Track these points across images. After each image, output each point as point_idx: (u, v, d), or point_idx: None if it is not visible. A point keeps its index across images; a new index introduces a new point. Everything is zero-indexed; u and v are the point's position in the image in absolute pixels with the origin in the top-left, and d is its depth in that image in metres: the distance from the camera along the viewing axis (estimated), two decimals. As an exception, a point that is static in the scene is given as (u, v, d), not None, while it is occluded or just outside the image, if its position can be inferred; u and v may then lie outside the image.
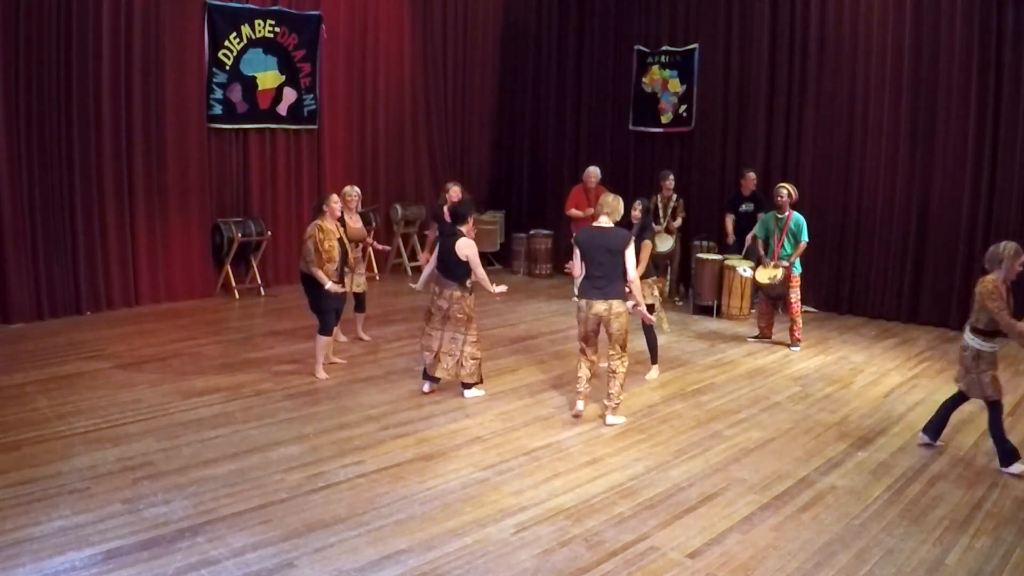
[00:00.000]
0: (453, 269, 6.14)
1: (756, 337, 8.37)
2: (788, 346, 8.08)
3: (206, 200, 9.42)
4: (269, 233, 9.79)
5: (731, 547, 4.14)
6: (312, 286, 6.54)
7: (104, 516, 4.20)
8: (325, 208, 6.56)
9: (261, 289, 9.81)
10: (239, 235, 9.45)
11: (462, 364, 6.20)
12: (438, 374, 6.26)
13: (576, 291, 6.02)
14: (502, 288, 6.26)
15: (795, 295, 8.00)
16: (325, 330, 6.65)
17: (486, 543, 4.10)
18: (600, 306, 5.71)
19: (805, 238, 7.85)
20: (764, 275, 8.15)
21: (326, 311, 6.60)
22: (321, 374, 6.66)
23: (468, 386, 6.31)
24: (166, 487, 4.55)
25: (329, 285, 6.41)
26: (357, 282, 7.55)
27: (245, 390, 6.27)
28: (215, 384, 6.38)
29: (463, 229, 6.19)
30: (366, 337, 7.85)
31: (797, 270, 7.98)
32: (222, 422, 5.58)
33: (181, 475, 4.72)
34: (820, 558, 4.05)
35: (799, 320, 8.07)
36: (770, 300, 8.25)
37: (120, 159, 8.57)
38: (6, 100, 7.65)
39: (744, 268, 9.10)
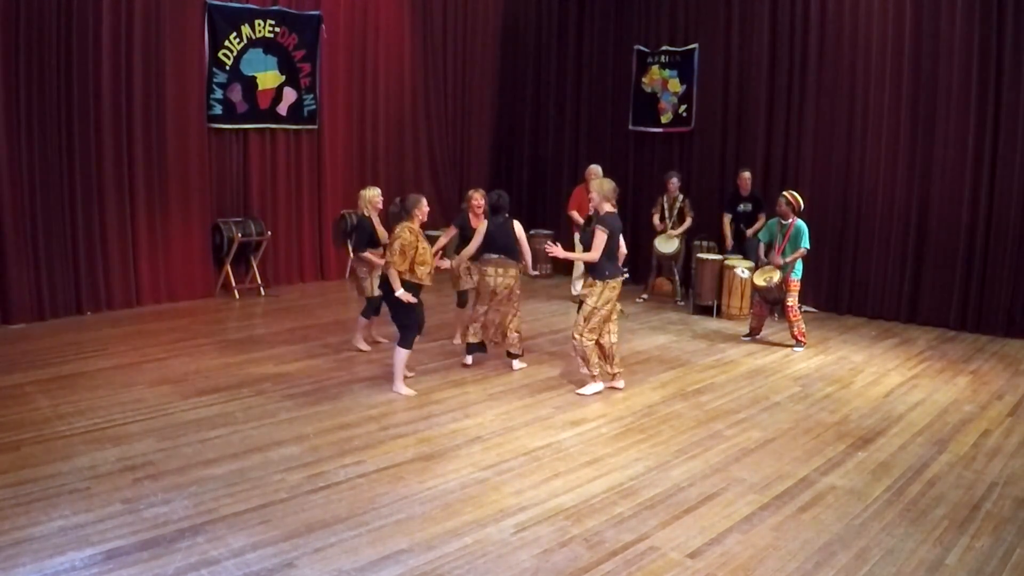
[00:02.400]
0: (515, 249, 6.93)
1: (747, 336, 8.41)
2: (791, 347, 8.07)
3: (206, 200, 9.41)
4: (269, 233, 9.78)
5: (731, 547, 4.14)
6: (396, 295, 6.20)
7: (104, 516, 4.19)
8: (416, 211, 6.22)
9: (261, 289, 9.80)
10: (239, 235, 9.45)
11: (505, 335, 7.00)
12: (487, 339, 7.05)
13: (578, 286, 6.19)
14: (536, 272, 7.27)
15: (792, 299, 7.99)
16: (406, 343, 6.28)
17: (486, 543, 4.10)
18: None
19: (805, 244, 7.85)
20: (760, 277, 8.17)
21: (410, 326, 6.27)
22: (404, 389, 6.30)
23: (515, 356, 7.06)
24: (166, 487, 4.55)
25: (400, 292, 6.07)
26: (376, 285, 7.48)
27: (245, 390, 6.27)
28: (215, 384, 6.38)
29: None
30: (383, 340, 7.71)
31: (797, 276, 7.98)
32: (222, 422, 5.58)
33: (181, 475, 4.72)
34: (820, 558, 4.05)
35: (799, 323, 8.06)
36: (766, 303, 8.25)
37: (120, 159, 8.56)
38: (6, 100, 7.64)
39: (742, 269, 9.11)
